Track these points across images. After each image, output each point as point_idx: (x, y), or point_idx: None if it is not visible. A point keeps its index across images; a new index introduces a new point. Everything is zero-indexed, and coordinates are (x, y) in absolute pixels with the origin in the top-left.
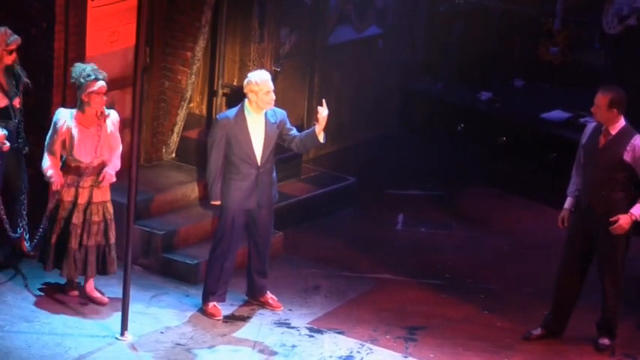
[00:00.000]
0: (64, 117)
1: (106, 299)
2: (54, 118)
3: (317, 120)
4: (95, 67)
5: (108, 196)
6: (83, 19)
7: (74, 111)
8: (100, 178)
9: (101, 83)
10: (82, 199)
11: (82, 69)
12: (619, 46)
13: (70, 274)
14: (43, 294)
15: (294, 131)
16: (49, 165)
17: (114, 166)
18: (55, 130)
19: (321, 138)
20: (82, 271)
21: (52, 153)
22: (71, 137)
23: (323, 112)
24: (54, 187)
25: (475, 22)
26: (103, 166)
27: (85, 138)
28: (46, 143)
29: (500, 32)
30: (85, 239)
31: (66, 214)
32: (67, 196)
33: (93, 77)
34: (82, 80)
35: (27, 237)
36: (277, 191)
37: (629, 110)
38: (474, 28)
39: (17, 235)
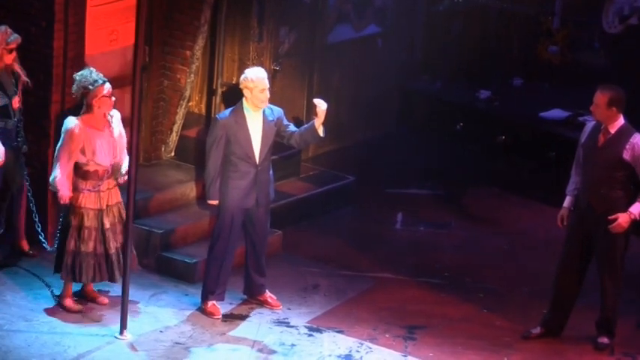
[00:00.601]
0: (78, 124)
1: (106, 299)
2: (65, 127)
3: (316, 114)
4: (95, 70)
5: (120, 197)
6: (82, 18)
7: (82, 116)
8: (122, 181)
9: (109, 86)
10: (104, 203)
11: (85, 76)
12: (619, 45)
13: (116, 278)
14: (42, 293)
15: (291, 127)
16: (61, 177)
17: (127, 163)
18: (72, 139)
19: (321, 132)
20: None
21: (66, 163)
22: (90, 142)
23: (322, 105)
24: (62, 202)
25: (474, 21)
26: (114, 166)
27: (102, 141)
28: (58, 154)
29: (499, 31)
30: (113, 242)
31: (92, 221)
32: (90, 204)
33: (101, 82)
34: (90, 87)
35: (42, 234)
36: (274, 190)
37: (628, 109)
38: (473, 27)
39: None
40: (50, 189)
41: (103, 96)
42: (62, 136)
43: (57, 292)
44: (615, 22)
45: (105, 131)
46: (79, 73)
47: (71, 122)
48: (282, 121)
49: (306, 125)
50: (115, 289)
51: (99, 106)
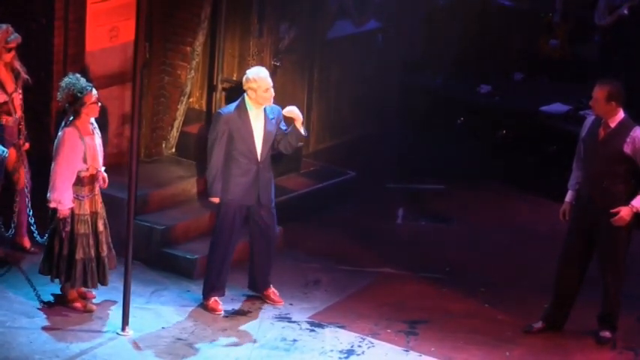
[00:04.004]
0: (75, 133)
1: (94, 293)
2: (63, 140)
3: (292, 120)
4: (80, 76)
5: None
6: (83, 15)
7: (74, 124)
8: (105, 185)
9: (95, 92)
10: (98, 206)
11: (73, 83)
12: (610, 36)
13: (107, 280)
14: (44, 290)
15: (284, 128)
16: (68, 192)
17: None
18: (74, 150)
19: (303, 131)
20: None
21: (72, 176)
22: (89, 148)
23: (293, 111)
24: (62, 215)
25: (474, 16)
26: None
27: (94, 145)
28: (60, 169)
29: (499, 26)
30: (105, 245)
31: (86, 228)
32: (85, 210)
33: (89, 89)
34: (79, 94)
35: (36, 231)
36: (274, 190)
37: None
38: (474, 22)
39: (10, 233)
40: (52, 205)
41: (92, 103)
42: (61, 149)
43: (37, 286)
44: (605, 14)
45: (94, 135)
46: (65, 81)
47: (69, 134)
48: (280, 121)
49: (289, 129)
50: (117, 286)
51: (87, 112)
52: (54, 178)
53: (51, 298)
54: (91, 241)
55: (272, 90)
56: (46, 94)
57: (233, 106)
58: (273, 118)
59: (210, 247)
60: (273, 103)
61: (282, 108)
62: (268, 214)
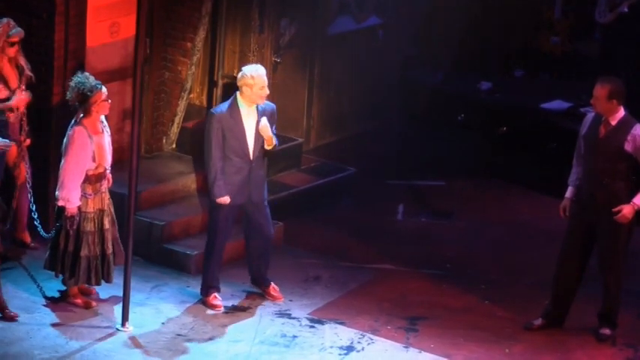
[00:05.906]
0: (85, 132)
1: (94, 289)
2: (73, 138)
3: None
4: (89, 75)
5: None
6: (83, 10)
7: (83, 122)
8: (110, 185)
9: (105, 90)
10: (105, 204)
11: (83, 82)
12: (611, 33)
13: (112, 278)
14: (44, 285)
15: (274, 129)
16: (77, 191)
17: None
18: (84, 149)
19: (266, 146)
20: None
21: (81, 174)
22: (98, 147)
23: (264, 128)
24: (70, 214)
25: (475, 12)
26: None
27: (104, 143)
28: (69, 167)
29: (500, 22)
30: (111, 242)
31: (92, 225)
32: (92, 207)
33: (99, 87)
34: (88, 93)
35: (39, 226)
36: (267, 190)
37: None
38: (475, 18)
39: (6, 227)
40: (60, 203)
41: (102, 101)
42: (70, 147)
43: (37, 281)
44: (605, 12)
45: (103, 133)
46: (75, 80)
47: (78, 132)
48: (274, 118)
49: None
50: (117, 281)
51: (97, 110)
52: (62, 176)
53: (51, 294)
54: (96, 239)
55: (267, 88)
56: (47, 89)
57: (225, 105)
58: (265, 117)
59: (207, 247)
60: (273, 100)
61: (282, 105)
62: (261, 213)
